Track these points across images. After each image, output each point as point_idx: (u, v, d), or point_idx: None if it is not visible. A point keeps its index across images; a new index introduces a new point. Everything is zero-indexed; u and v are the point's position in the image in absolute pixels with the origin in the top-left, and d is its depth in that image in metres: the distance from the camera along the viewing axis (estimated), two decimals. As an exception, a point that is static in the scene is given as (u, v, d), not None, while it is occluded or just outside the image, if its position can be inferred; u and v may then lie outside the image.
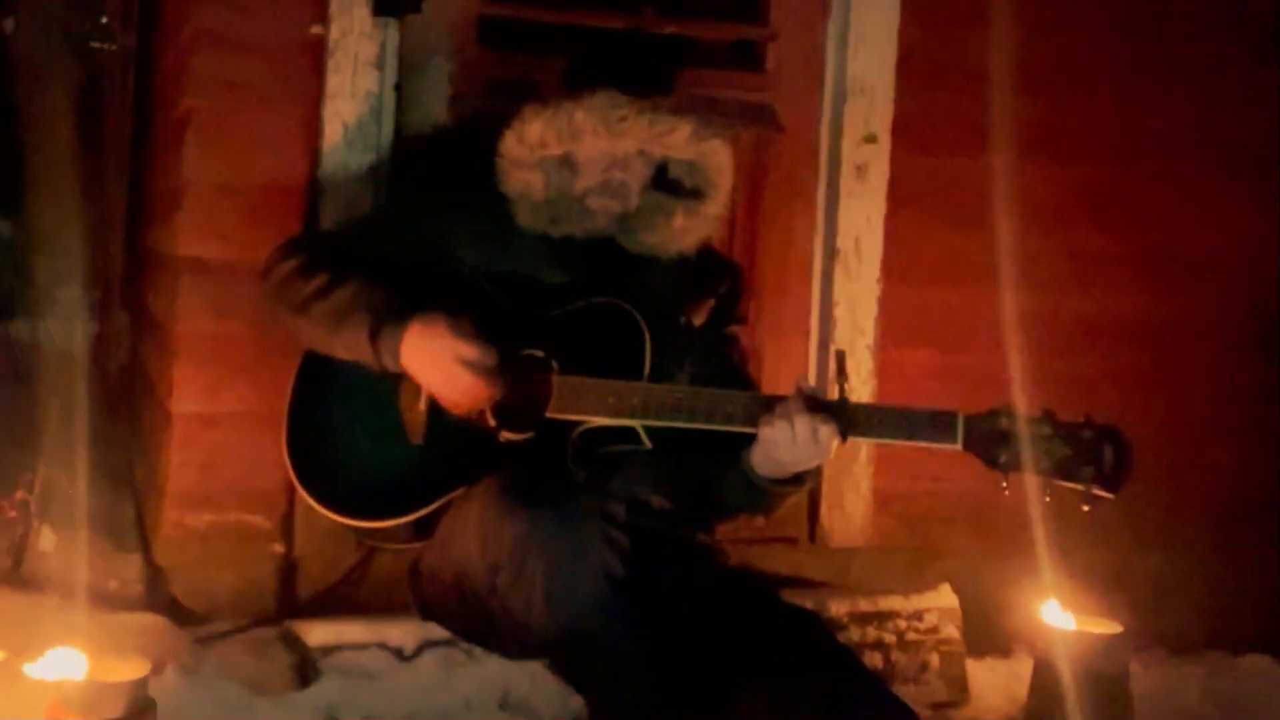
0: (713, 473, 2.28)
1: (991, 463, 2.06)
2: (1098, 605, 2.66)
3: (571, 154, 2.35)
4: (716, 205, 2.41)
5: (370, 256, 2.34)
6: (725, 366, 2.43)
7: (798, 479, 2.21)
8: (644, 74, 2.35)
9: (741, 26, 2.95)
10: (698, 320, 2.44)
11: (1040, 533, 2.33)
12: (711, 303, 2.46)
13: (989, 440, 2.06)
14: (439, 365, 2.20)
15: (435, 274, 2.37)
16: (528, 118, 2.34)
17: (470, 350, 2.18)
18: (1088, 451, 2.02)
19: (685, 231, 2.40)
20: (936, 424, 2.08)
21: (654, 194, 2.39)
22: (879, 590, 2.78)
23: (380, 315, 2.21)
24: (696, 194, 2.40)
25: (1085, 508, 2.02)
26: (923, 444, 2.09)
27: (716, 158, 2.38)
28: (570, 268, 2.39)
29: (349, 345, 2.25)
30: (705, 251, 2.55)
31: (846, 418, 2.11)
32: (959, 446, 2.06)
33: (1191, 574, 3.07)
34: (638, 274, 2.40)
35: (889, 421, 2.13)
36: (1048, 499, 2.06)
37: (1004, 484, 2.05)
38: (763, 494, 2.23)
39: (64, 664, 1.96)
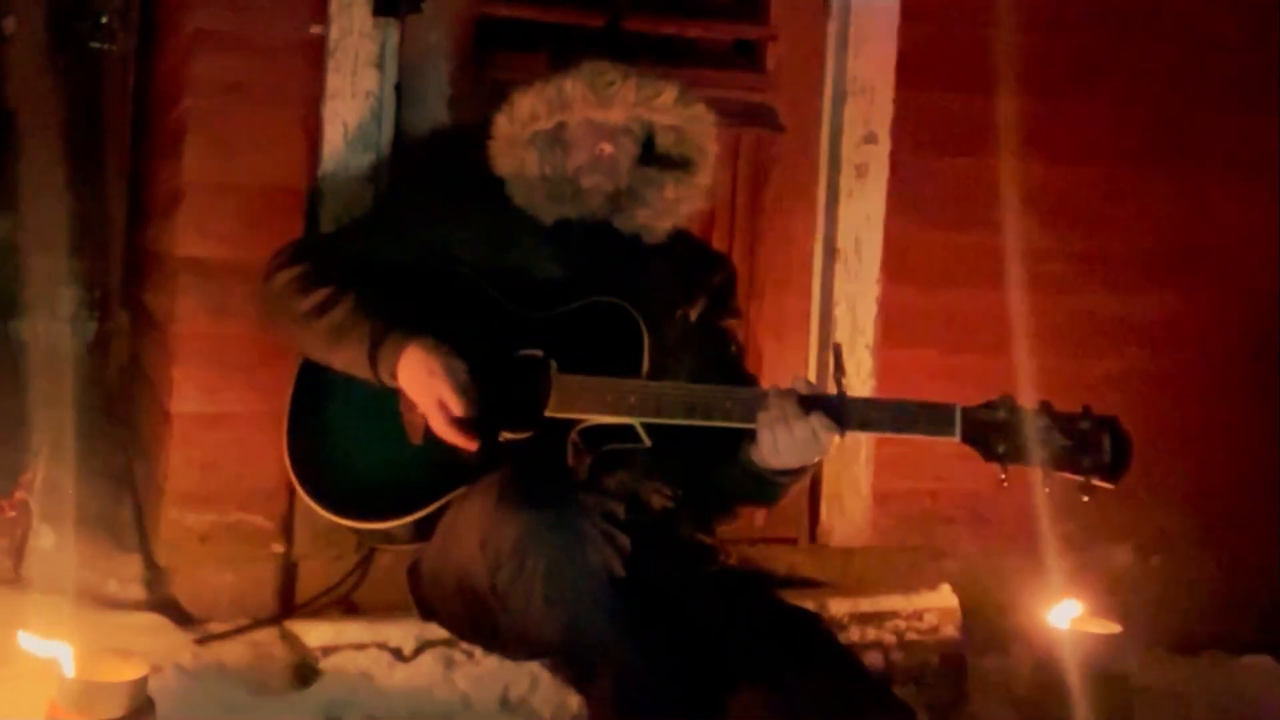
0: (713, 468, 2.28)
1: (990, 454, 2.05)
2: (1098, 605, 2.66)
3: (562, 129, 2.37)
4: (705, 175, 2.44)
5: (370, 260, 2.35)
6: (723, 361, 2.43)
7: (801, 468, 2.21)
8: (625, 52, 2.38)
9: (741, 26, 2.95)
10: (693, 315, 2.44)
11: (1040, 530, 2.33)
12: (705, 297, 2.46)
13: (987, 432, 2.05)
14: (428, 396, 2.20)
15: (435, 275, 2.38)
16: (516, 99, 2.37)
17: (454, 401, 2.19)
18: (1086, 442, 2.02)
19: (677, 203, 2.43)
20: (935, 416, 2.08)
21: (644, 169, 2.42)
22: (879, 590, 2.78)
23: (378, 335, 2.22)
24: (685, 164, 2.43)
25: (1084, 498, 2.02)
26: (921, 436, 2.09)
27: (702, 123, 2.41)
28: (568, 260, 2.39)
29: (346, 362, 2.26)
30: (698, 245, 2.56)
31: (845, 411, 2.11)
32: (957, 438, 2.06)
33: (1191, 574, 3.07)
34: (635, 266, 2.40)
35: (887, 414, 2.13)
36: (1047, 490, 2.05)
37: (1003, 476, 2.05)
38: (766, 485, 2.23)
39: (63, 663, 1.96)
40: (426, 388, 2.20)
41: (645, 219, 2.43)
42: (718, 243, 2.80)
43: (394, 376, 2.22)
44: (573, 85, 2.33)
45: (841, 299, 2.89)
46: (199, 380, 2.57)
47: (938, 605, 2.76)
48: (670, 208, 2.43)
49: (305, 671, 2.37)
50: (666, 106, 2.37)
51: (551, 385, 2.23)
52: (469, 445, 2.20)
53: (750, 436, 2.16)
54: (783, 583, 2.76)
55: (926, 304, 2.94)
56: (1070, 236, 3.03)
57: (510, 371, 2.28)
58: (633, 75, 2.34)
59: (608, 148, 2.37)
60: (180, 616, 2.53)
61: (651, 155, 2.44)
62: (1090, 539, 2.77)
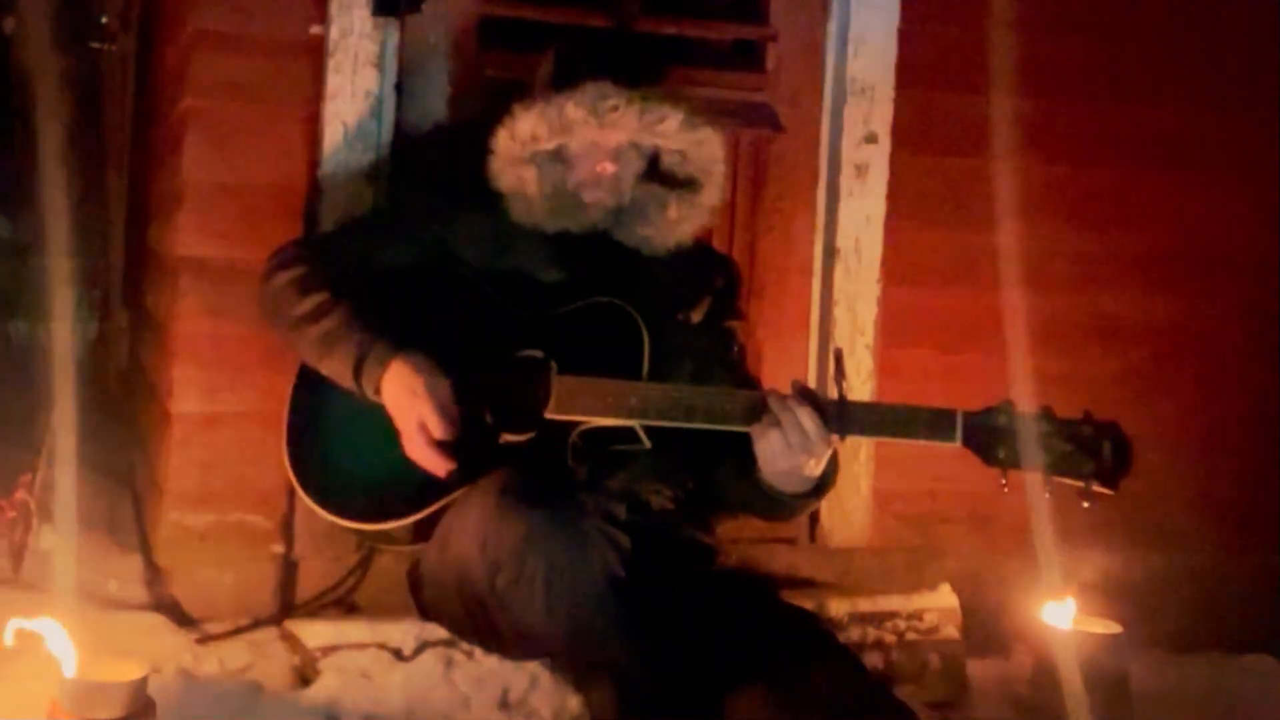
0: (726, 484, 2.28)
1: (991, 460, 2.05)
2: (1098, 605, 2.66)
3: (564, 148, 2.35)
4: (710, 195, 2.42)
5: (369, 261, 2.35)
6: (724, 363, 2.43)
7: (817, 489, 2.20)
8: (630, 67, 2.35)
9: (741, 26, 2.95)
10: (695, 317, 2.44)
11: (1040, 531, 2.33)
12: (708, 298, 2.46)
13: (988, 437, 2.06)
14: (408, 415, 2.20)
15: (435, 275, 2.38)
16: (518, 114, 2.35)
17: (435, 423, 2.18)
18: (1087, 448, 2.02)
19: (680, 222, 2.41)
20: (936, 421, 2.08)
21: (648, 185, 2.40)
22: (879, 590, 2.77)
23: (363, 350, 2.22)
24: (690, 184, 2.41)
25: (1085, 504, 2.02)
26: (922, 441, 2.09)
27: (708, 147, 2.39)
28: (568, 265, 2.39)
29: (333, 373, 2.26)
30: (700, 247, 2.56)
31: (845, 416, 2.10)
32: (958, 444, 2.06)
33: (1191, 574, 3.07)
34: (635, 271, 2.40)
35: (888, 419, 2.13)
36: (1047, 496, 2.06)
37: (1003, 481, 2.05)
38: (780, 504, 2.23)
39: (63, 664, 1.96)
40: (408, 406, 2.19)
41: (646, 235, 2.41)
42: (718, 243, 2.80)
43: (377, 392, 2.21)
44: (574, 108, 2.29)
45: (841, 299, 2.89)
46: (199, 380, 2.57)
47: (938, 605, 2.76)
48: (672, 226, 2.41)
49: (305, 671, 2.37)
50: (671, 132, 2.34)
51: (551, 387, 2.23)
52: (439, 471, 2.19)
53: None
54: (783, 583, 2.76)
55: (926, 304, 2.94)
56: (1070, 237, 3.03)
57: (510, 373, 2.28)
58: (635, 100, 2.30)
59: (610, 167, 2.34)
60: (180, 616, 2.53)
61: (657, 171, 2.41)
62: (1089, 540, 2.76)
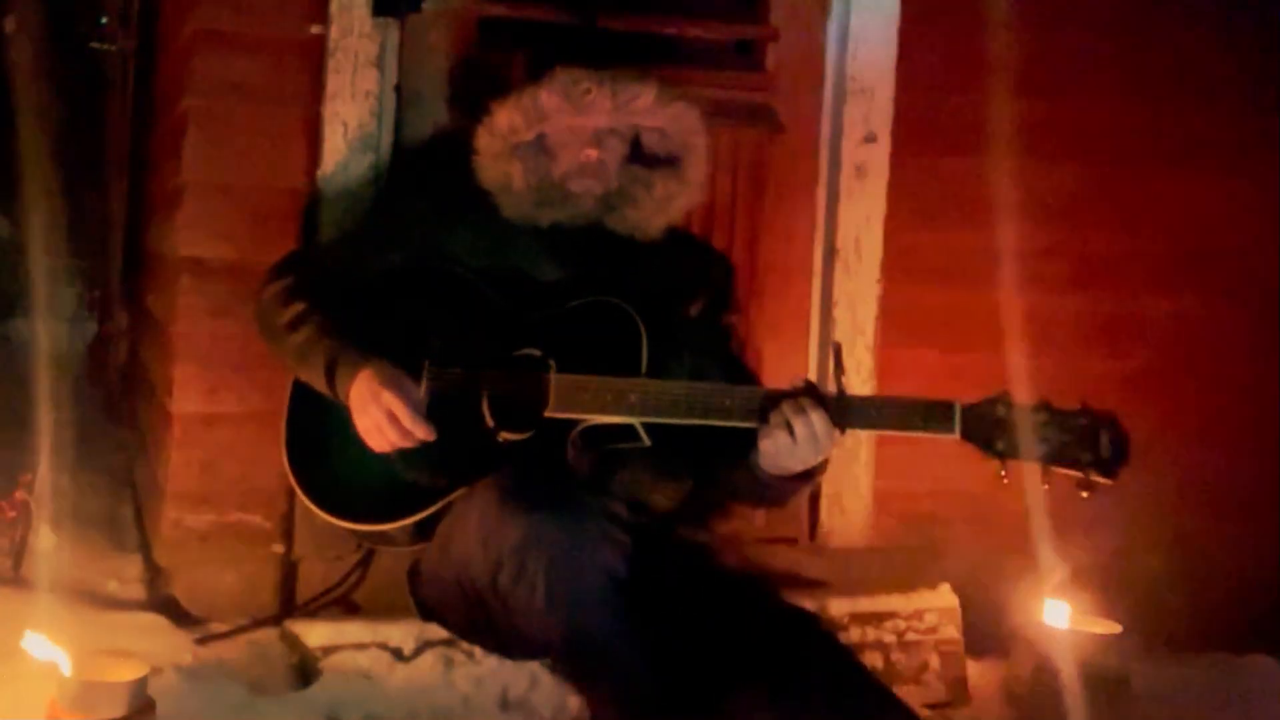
0: (718, 470, 2.28)
1: (989, 450, 2.06)
2: (1098, 605, 2.66)
3: (544, 138, 2.36)
4: (694, 170, 2.43)
5: (365, 268, 2.35)
6: (722, 358, 2.43)
7: (808, 474, 2.21)
8: (601, 56, 2.37)
9: (741, 26, 2.95)
10: (693, 312, 2.44)
11: (1040, 528, 2.33)
12: (705, 293, 2.46)
13: (986, 428, 2.06)
14: (374, 412, 2.19)
15: (433, 276, 2.38)
16: (495, 111, 2.37)
17: (402, 409, 2.17)
18: (1085, 438, 2.03)
19: (668, 200, 2.42)
20: (934, 413, 2.08)
21: (632, 169, 2.41)
22: (879, 590, 2.78)
23: (332, 357, 2.22)
24: (673, 161, 2.42)
25: (1084, 494, 2.03)
26: (921, 433, 2.09)
27: (685, 120, 2.40)
28: (564, 261, 2.39)
29: (310, 380, 2.27)
30: (696, 242, 2.57)
31: (844, 410, 2.11)
32: (957, 435, 2.07)
33: (1191, 574, 3.07)
34: (632, 265, 2.40)
35: (887, 412, 2.13)
36: (1046, 487, 2.06)
37: (1002, 472, 2.05)
38: (774, 490, 2.23)
39: (63, 664, 1.96)
40: (374, 404, 2.18)
41: (637, 218, 2.42)
42: (718, 242, 2.80)
43: (348, 398, 2.21)
44: (548, 96, 2.31)
45: (841, 299, 2.89)
46: (199, 380, 2.57)
47: (938, 605, 2.76)
48: (661, 205, 2.42)
49: (305, 671, 2.37)
50: (646, 109, 2.35)
51: (550, 385, 2.23)
52: (380, 446, 2.18)
53: (752, 436, 2.15)
54: (783, 583, 2.76)
55: (926, 304, 2.94)
56: (1070, 237, 3.03)
57: (509, 372, 2.28)
58: (608, 81, 2.32)
59: (593, 153, 2.35)
60: (180, 616, 2.53)
61: (640, 153, 2.43)
62: (1090, 539, 2.76)
